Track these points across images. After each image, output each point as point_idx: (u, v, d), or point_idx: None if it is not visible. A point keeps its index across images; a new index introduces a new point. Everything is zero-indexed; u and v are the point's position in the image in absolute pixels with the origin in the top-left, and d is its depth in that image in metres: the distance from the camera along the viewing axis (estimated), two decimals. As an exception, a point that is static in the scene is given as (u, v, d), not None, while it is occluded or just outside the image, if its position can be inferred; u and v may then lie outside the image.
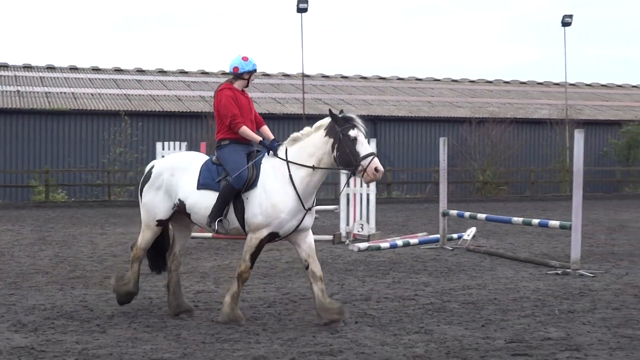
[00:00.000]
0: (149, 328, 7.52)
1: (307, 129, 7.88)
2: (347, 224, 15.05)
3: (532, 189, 34.36)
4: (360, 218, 15.13)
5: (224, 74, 34.45)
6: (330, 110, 7.70)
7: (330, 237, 14.85)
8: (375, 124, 34.41)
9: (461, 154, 34.32)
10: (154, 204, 8.10)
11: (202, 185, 7.87)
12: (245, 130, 7.97)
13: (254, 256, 7.77)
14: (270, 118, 28.86)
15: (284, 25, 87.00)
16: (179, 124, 31.81)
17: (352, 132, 7.53)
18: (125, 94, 33.63)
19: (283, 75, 40.96)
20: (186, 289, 9.28)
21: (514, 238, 15.63)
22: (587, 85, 47.43)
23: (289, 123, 30.65)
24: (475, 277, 10.70)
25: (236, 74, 8.20)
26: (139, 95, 33.90)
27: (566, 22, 35.43)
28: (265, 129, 8.31)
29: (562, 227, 11.61)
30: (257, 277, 10.42)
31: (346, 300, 8.90)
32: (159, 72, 38.98)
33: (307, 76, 36.92)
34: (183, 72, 39.32)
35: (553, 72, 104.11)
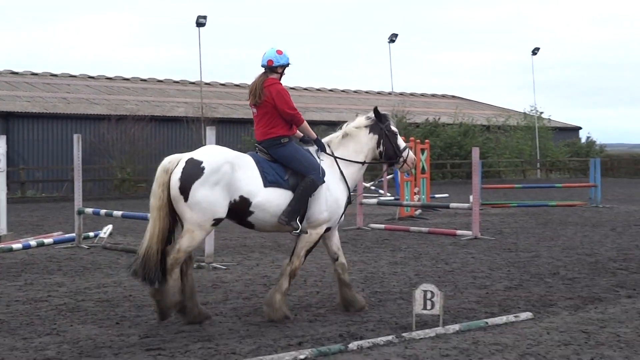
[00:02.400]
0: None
1: (352, 125, 8.36)
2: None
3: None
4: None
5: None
6: (376, 108, 8.41)
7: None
8: (7, 120, 32.77)
9: (99, 151, 33.83)
10: (211, 201, 7.36)
11: (270, 183, 7.61)
12: (306, 125, 8.03)
13: (309, 252, 7.92)
14: None
15: None
16: None
17: (394, 128, 8.42)
18: None
19: None
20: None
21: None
22: (221, 84, 49.04)
23: None
24: (111, 275, 10.61)
25: (270, 67, 7.99)
26: None
27: (200, 22, 36.26)
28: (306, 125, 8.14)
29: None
30: None
31: (-28, 306, 8.38)
32: None
33: None
34: None
35: (190, 71, 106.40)
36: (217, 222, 7.52)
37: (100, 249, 13.34)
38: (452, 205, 16.55)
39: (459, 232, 15.20)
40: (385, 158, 8.43)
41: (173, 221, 7.58)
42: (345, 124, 8.53)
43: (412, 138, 20.73)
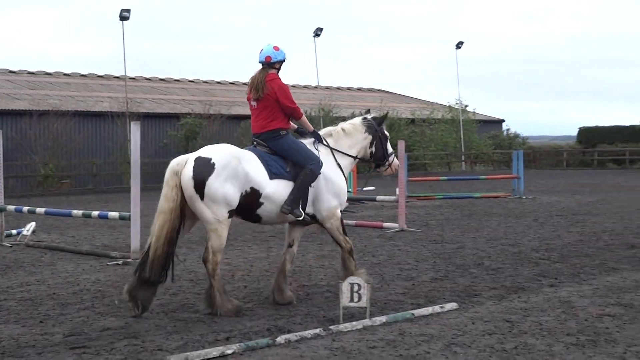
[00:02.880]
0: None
1: (348, 123, 8.85)
2: None
3: (95, 182, 34.30)
4: None
5: None
6: (369, 110, 9.16)
7: None
8: None
9: (22, 147, 33.13)
10: (223, 194, 7.57)
11: (275, 175, 7.92)
12: (305, 118, 8.44)
13: (344, 232, 8.44)
14: None
15: None
16: None
17: (386, 132, 9.01)
18: None
19: None
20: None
21: (76, 231, 15.50)
22: (146, 79, 48.48)
23: None
24: (35, 273, 10.41)
25: (269, 63, 8.29)
26: None
27: (124, 16, 35.73)
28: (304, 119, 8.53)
29: (121, 218, 11.77)
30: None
31: None
32: None
33: None
34: None
35: (114, 65, 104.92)
36: (231, 214, 7.69)
37: (23, 246, 13.08)
38: (379, 198, 16.70)
39: (385, 224, 15.34)
40: (374, 159, 8.98)
41: (180, 222, 7.70)
42: (342, 122, 9.02)
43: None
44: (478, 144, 51.81)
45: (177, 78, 50.78)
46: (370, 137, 8.85)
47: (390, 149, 9.05)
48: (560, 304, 7.98)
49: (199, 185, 7.50)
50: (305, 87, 56.62)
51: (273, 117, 8.19)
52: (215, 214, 7.56)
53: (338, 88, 58.04)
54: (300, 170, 8.04)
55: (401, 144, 15.15)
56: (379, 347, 6.34)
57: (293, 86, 56.30)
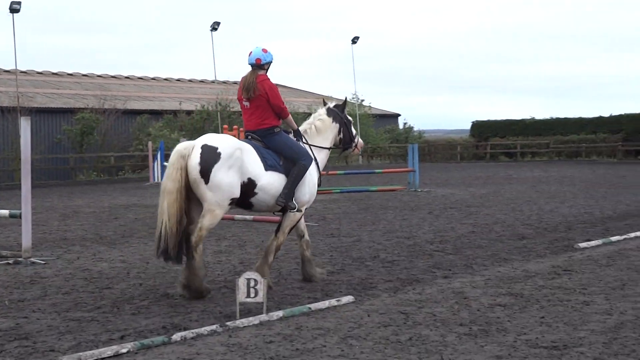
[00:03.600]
0: None
1: (317, 119, 9.38)
2: None
3: (-14, 179, 33.27)
4: None
5: None
6: (346, 98, 9.83)
7: None
8: None
9: None
10: (228, 182, 8.13)
11: (270, 167, 8.45)
12: (290, 117, 8.98)
13: (291, 229, 8.92)
14: None
15: None
16: None
17: (349, 117, 9.71)
18: None
19: None
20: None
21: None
22: (38, 73, 47.28)
23: None
24: None
25: (258, 65, 8.78)
26: None
27: (14, 8, 34.66)
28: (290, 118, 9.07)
29: (12, 215, 11.44)
30: None
31: None
32: None
33: None
34: None
35: (4, 59, 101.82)
36: (232, 201, 8.30)
37: None
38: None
39: (283, 219, 15.34)
40: (343, 144, 9.71)
41: (185, 204, 8.18)
42: (313, 114, 9.61)
43: (235, 127, 20.69)
44: (375, 138, 52.40)
45: (70, 72, 49.66)
46: (337, 125, 9.55)
47: (354, 130, 9.76)
48: (453, 294, 8.15)
49: (205, 171, 8.04)
50: (202, 81, 56.27)
51: (266, 115, 8.72)
52: (217, 198, 8.11)
53: (235, 83, 57.61)
54: (292, 165, 8.64)
55: (298, 139, 15.17)
56: (276, 342, 6.35)
57: (190, 80, 56.11)
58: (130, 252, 11.73)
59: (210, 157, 8.06)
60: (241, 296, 7.22)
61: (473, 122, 55.68)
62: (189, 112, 44.01)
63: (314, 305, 7.58)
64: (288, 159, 8.66)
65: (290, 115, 8.98)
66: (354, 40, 51.22)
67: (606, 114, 50.43)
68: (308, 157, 8.82)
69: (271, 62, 8.93)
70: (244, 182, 8.27)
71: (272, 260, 8.83)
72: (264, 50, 8.87)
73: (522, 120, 53.33)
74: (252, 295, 7.21)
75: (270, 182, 8.48)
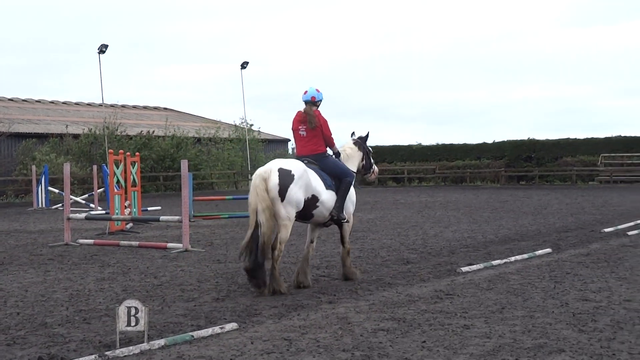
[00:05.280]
0: None
1: (347, 147, 11.41)
2: None
3: None
4: None
5: None
6: (353, 132, 11.69)
7: None
8: None
9: None
10: (298, 199, 9.92)
11: (328, 186, 10.40)
12: (335, 145, 11.00)
13: (349, 234, 11.11)
14: None
15: None
16: None
17: (369, 147, 11.72)
18: None
19: None
20: None
21: None
22: None
23: None
24: None
25: (313, 102, 10.76)
26: None
27: None
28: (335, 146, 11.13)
29: None
30: None
31: None
32: None
33: None
34: None
35: None
36: (297, 215, 10.03)
37: None
38: (163, 218, 16.45)
39: (169, 245, 15.17)
40: (364, 169, 11.64)
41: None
42: (343, 144, 11.44)
43: (121, 151, 20.35)
44: (264, 163, 52.45)
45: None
46: (362, 153, 11.54)
47: (372, 160, 11.78)
48: (337, 320, 8.18)
49: (282, 190, 9.76)
50: (89, 104, 55.27)
51: (320, 143, 10.71)
52: (288, 213, 9.84)
53: (123, 106, 56.93)
54: (339, 182, 10.55)
55: (184, 164, 15.06)
56: (157, 372, 6.22)
57: (76, 103, 55.03)
58: (9, 280, 11.34)
59: (286, 178, 9.80)
60: (121, 325, 7.06)
61: (362, 147, 56.34)
62: (75, 136, 43.10)
63: (197, 333, 7.47)
64: (336, 176, 10.58)
65: (335, 144, 10.98)
66: (244, 65, 51.26)
67: (489, 141, 51.99)
68: (351, 174, 10.81)
69: (322, 100, 10.85)
70: (308, 197, 10.06)
71: (350, 262, 11.02)
72: (317, 90, 10.83)
73: (410, 146, 54.39)
74: (133, 323, 7.06)
75: (328, 198, 10.37)
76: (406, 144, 54.99)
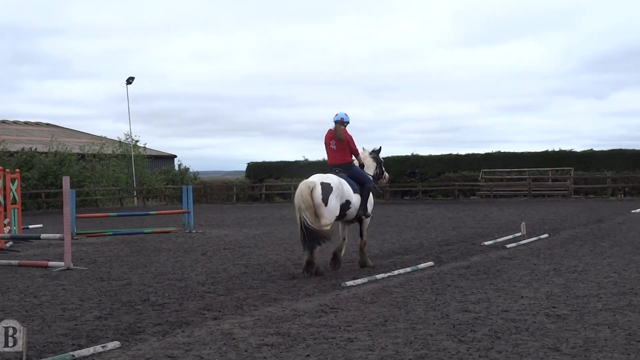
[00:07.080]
0: None
1: (365, 158, 14.41)
2: None
3: None
4: None
5: None
6: (380, 147, 14.78)
7: None
8: None
9: None
10: (336, 205, 12.83)
11: (355, 191, 13.32)
12: (360, 156, 14.21)
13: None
14: None
15: None
16: None
17: (381, 158, 14.77)
18: None
19: None
20: None
21: None
22: None
23: None
24: None
25: (342, 122, 13.65)
26: None
27: None
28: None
29: None
30: None
31: None
32: None
33: None
34: None
35: None
36: (335, 218, 12.96)
37: None
38: (44, 236, 16.00)
39: (51, 263, 14.79)
40: (377, 177, 14.57)
41: None
42: (362, 157, 14.38)
43: (0, 168, 19.73)
44: (150, 179, 51.78)
45: None
46: (375, 163, 14.54)
47: (383, 168, 14.72)
48: (222, 336, 8.16)
49: (325, 198, 12.60)
50: (-35, 120, 53.40)
51: (347, 154, 13.68)
52: (328, 217, 12.66)
53: (3, 122, 55.32)
54: (361, 187, 13.52)
55: (66, 180, 14.73)
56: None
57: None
58: None
59: (328, 189, 12.68)
60: (-2, 346, 6.85)
61: (249, 163, 56.41)
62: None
63: (78, 353, 7.32)
64: (359, 182, 13.51)
65: (360, 155, 14.11)
66: (129, 80, 50.59)
67: (374, 157, 52.63)
68: (370, 181, 13.89)
69: (349, 122, 13.71)
70: (342, 203, 12.99)
71: (365, 253, 14.03)
72: (346, 114, 13.69)
73: (296, 162, 54.65)
74: (11, 344, 6.87)
75: (357, 201, 13.37)
76: (293, 159, 55.29)
